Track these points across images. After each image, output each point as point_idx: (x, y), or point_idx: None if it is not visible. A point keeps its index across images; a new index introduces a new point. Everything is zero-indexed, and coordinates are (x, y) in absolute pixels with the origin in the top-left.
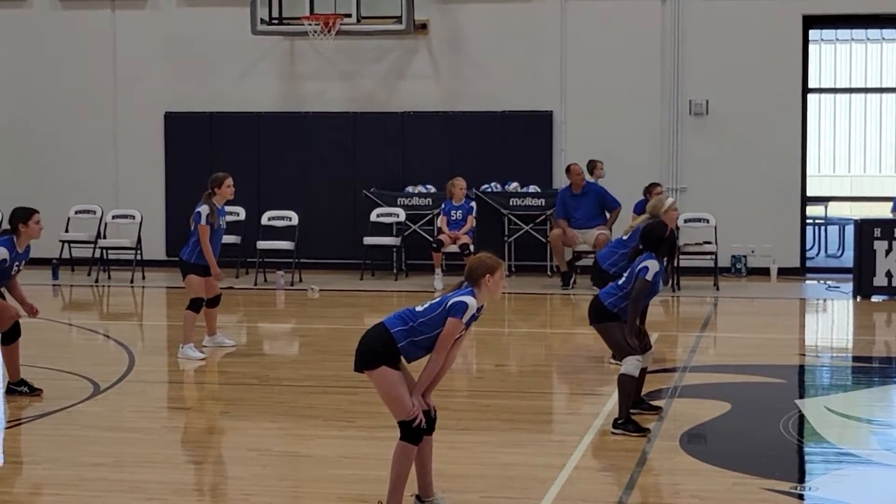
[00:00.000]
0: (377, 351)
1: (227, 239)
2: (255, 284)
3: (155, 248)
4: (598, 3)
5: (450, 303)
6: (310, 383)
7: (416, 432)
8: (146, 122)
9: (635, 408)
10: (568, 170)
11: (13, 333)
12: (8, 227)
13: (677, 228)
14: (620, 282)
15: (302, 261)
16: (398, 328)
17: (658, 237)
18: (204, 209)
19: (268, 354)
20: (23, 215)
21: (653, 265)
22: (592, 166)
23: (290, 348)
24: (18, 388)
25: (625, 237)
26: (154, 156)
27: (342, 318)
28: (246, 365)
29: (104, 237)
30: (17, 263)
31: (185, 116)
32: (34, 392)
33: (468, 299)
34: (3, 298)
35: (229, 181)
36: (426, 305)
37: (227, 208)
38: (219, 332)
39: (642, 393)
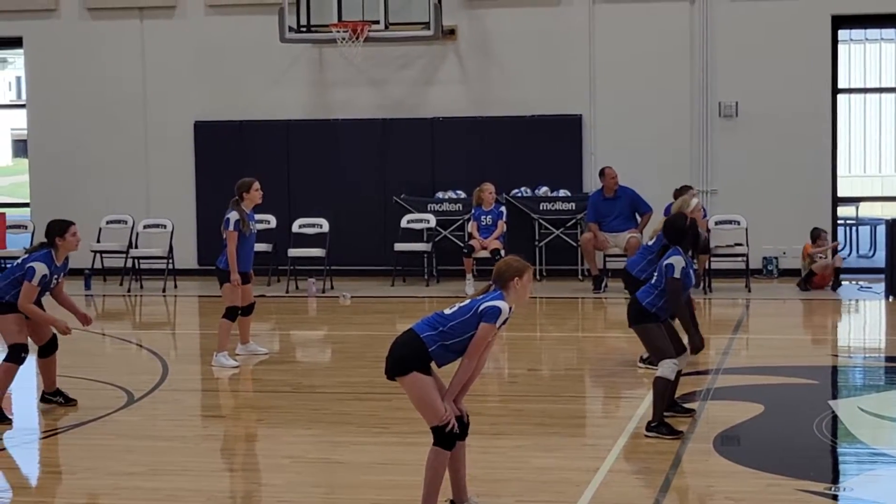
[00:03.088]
0: (408, 357)
1: (259, 247)
2: (287, 292)
3: (186, 257)
4: (626, 5)
5: (482, 307)
6: (343, 390)
7: (449, 437)
8: (176, 132)
9: (669, 410)
10: (602, 173)
11: (50, 347)
12: (45, 240)
13: (708, 231)
14: (653, 280)
15: (333, 268)
16: (428, 333)
17: (679, 228)
18: (233, 215)
19: (301, 362)
20: (59, 228)
21: (677, 261)
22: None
23: (323, 355)
24: (54, 398)
25: (650, 242)
26: (184, 165)
27: (374, 324)
28: (279, 372)
29: (136, 247)
30: (56, 277)
31: (214, 125)
32: (69, 402)
33: (501, 304)
34: (43, 309)
35: (256, 185)
36: (455, 309)
37: (258, 216)
38: (252, 341)
39: (676, 395)
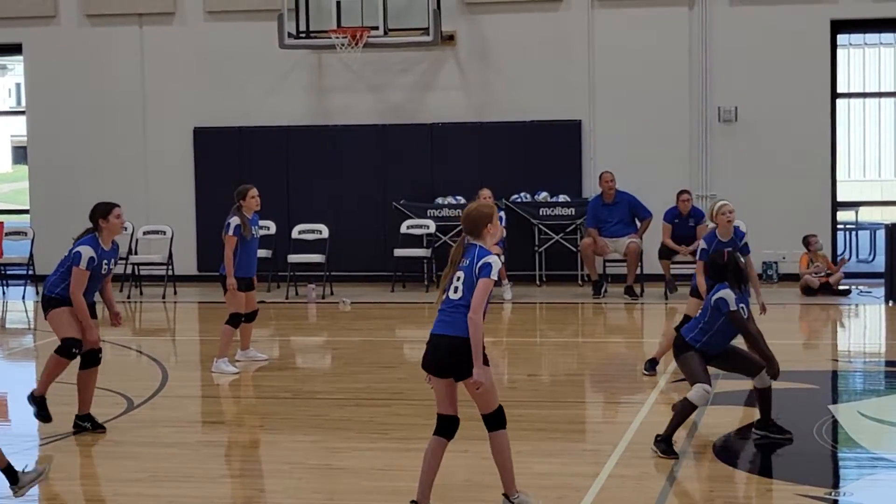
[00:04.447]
0: (467, 358)
1: (259, 253)
2: (287, 298)
3: (186, 263)
4: (625, 10)
5: (477, 267)
6: (343, 396)
7: (503, 415)
8: (175, 138)
9: (762, 430)
10: (599, 178)
11: (92, 358)
12: (90, 225)
13: (740, 236)
14: (699, 314)
15: (333, 274)
16: (463, 328)
17: (720, 266)
18: (234, 220)
19: (301, 368)
20: (103, 211)
21: (728, 295)
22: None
23: (323, 361)
24: (83, 423)
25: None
26: (184, 171)
27: (374, 330)
28: (279, 378)
29: (135, 253)
30: (105, 262)
31: (214, 131)
32: (97, 429)
33: (491, 258)
34: (96, 316)
35: (253, 192)
36: (460, 290)
37: (259, 222)
38: (252, 347)
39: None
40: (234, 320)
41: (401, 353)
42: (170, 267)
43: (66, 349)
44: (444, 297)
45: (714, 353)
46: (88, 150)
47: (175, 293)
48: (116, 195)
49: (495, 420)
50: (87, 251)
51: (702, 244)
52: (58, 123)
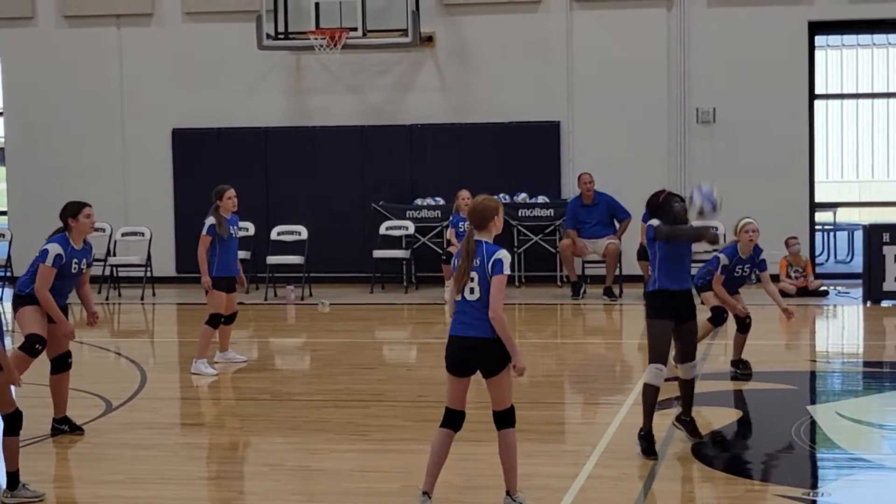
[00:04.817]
0: (501, 355)
1: (238, 254)
2: (266, 299)
3: (165, 264)
4: (603, 12)
5: (490, 265)
6: (322, 398)
7: (514, 413)
8: (154, 139)
9: (681, 423)
10: (578, 179)
11: (63, 362)
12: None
13: (758, 253)
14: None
15: (312, 275)
16: (485, 329)
17: (651, 203)
18: (209, 220)
19: (279, 369)
20: (72, 210)
21: (653, 223)
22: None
23: (302, 363)
24: (60, 426)
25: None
26: (162, 172)
27: (353, 331)
28: (258, 380)
29: (114, 255)
30: (76, 261)
31: (192, 132)
32: (76, 431)
33: (500, 254)
34: (67, 307)
35: (230, 192)
36: (476, 290)
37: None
38: (230, 349)
39: (692, 410)
40: (214, 321)
41: (380, 354)
42: (148, 268)
43: (30, 346)
44: (459, 296)
45: (676, 289)
46: (67, 152)
47: (154, 294)
48: (95, 196)
49: (507, 418)
50: (54, 248)
51: (722, 259)
52: (36, 125)
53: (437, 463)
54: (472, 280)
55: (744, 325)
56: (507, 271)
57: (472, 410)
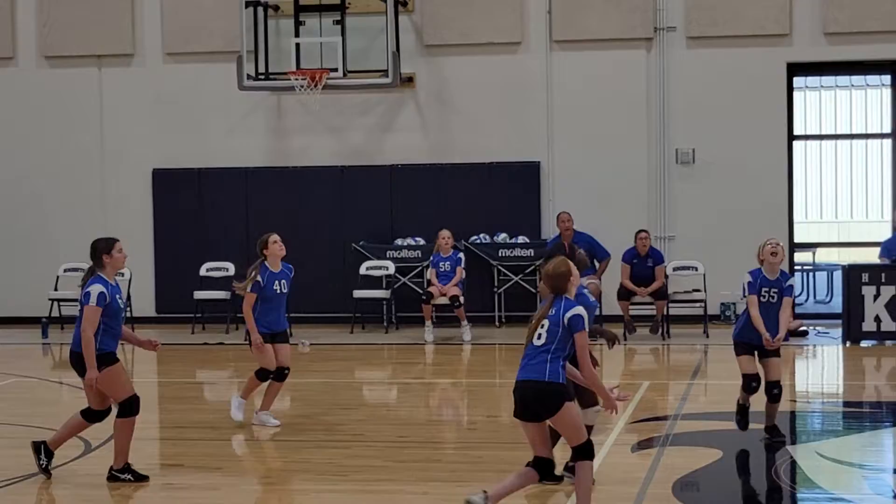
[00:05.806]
0: (558, 394)
1: (217, 294)
2: (246, 339)
3: (144, 304)
4: (583, 53)
5: (567, 321)
6: (302, 438)
7: (592, 447)
8: (134, 179)
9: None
10: (557, 218)
11: (99, 415)
12: (90, 263)
13: (786, 278)
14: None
15: (292, 315)
16: (553, 371)
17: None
18: (251, 274)
19: None
20: (105, 246)
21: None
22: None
23: (282, 403)
24: (122, 474)
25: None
26: (142, 212)
27: (333, 371)
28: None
29: None
30: (118, 296)
31: (172, 173)
32: (140, 479)
33: (578, 310)
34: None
35: (274, 237)
36: (543, 336)
37: (219, 264)
38: (269, 411)
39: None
40: (262, 374)
41: (360, 394)
42: (128, 309)
43: (127, 409)
44: (528, 342)
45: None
46: (47, 191)
47: None
48: (75, 236)
49: (583, 451)
50: (96, 288)
51: (748, 277)
52: (16, 164)
53: (509, 487)
54: (543, 327)
55: (773, 395)
56: (587, 328)
57: (452, 451)
